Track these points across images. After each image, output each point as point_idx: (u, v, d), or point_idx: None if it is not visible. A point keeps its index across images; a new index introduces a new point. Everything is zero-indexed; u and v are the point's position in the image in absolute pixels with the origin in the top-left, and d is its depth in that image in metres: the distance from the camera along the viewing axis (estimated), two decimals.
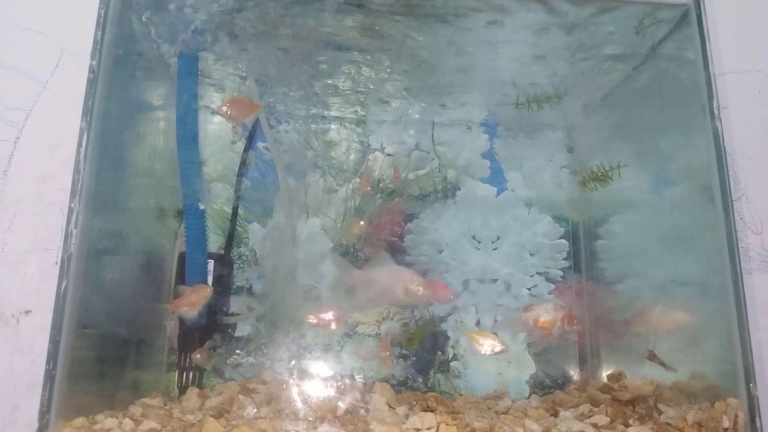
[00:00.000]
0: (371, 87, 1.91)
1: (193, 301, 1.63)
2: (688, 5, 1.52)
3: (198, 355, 1.74)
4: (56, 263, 1.41)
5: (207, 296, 1.64)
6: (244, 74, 1.84)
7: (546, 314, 1.63)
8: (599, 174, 1.76)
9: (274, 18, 1.57)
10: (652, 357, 1.37)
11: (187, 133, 1.77)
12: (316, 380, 1.59)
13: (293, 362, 1.82)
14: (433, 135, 2.12)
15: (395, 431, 1.26)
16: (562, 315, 1.63)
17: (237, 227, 1.96)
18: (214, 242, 1.91)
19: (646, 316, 1.62)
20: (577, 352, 1.98)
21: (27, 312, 1.49)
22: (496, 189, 2.10)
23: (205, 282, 1.80)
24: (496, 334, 1.70)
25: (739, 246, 1.39)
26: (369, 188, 1.94)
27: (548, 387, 1.92)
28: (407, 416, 1.34)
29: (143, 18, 1.58)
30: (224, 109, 1.69)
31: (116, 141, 1.53)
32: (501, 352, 1.70)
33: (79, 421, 1.26)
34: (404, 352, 1.93)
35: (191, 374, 1.79)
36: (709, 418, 1.32)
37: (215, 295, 1.80)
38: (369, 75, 1.84)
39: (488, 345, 1.64)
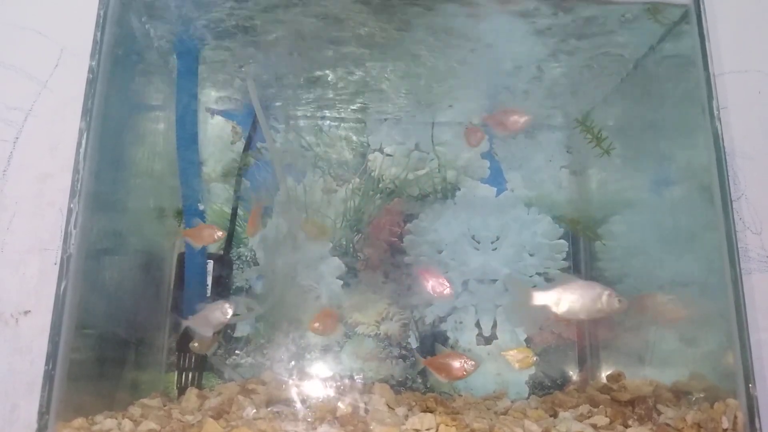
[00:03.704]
0: (371, 87, 1.91)
1: (204, 235, 1.65)
2: (687, 5, 1.52)
3: (196, 344, 1.72)
4: (55, 263, 1.41)
5: (215, 238, 1.66)
6: (244, 74, 1.84)
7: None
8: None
9: (274, 15, 1.57)
10: None
11: (186, 133, 1.77)
12: (315, 381, 1.59)
13: (293, 363, 1.82)
14: (432, 135, 2.12)
15: None
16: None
17: (236, 227, 1.95)
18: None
19: (645, 303, 1.62)
20: (576, 353, 1.98)
21: (26, 312, 1.49)
22: (495, 189, 2.10)
23: (205, 284, 1.81)
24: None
25: (739, 246, 1.38)
26: None
27: (547, 388, 1.92)
28: (407, 417, 1.34)
29: (143, 18, 1.58)
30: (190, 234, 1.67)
31: (116, 141, 1.53)
32: (535, 363, 1.79)
33: (78, 421, 1.26)
34: (404, 352, 1.93)
35: (190, 375, 1.79)
36: (709, 418, 1.32)
37: (213, 295, 1.81)
38: (369, 75, 1.84)
39: (526, 359, 1.64)
